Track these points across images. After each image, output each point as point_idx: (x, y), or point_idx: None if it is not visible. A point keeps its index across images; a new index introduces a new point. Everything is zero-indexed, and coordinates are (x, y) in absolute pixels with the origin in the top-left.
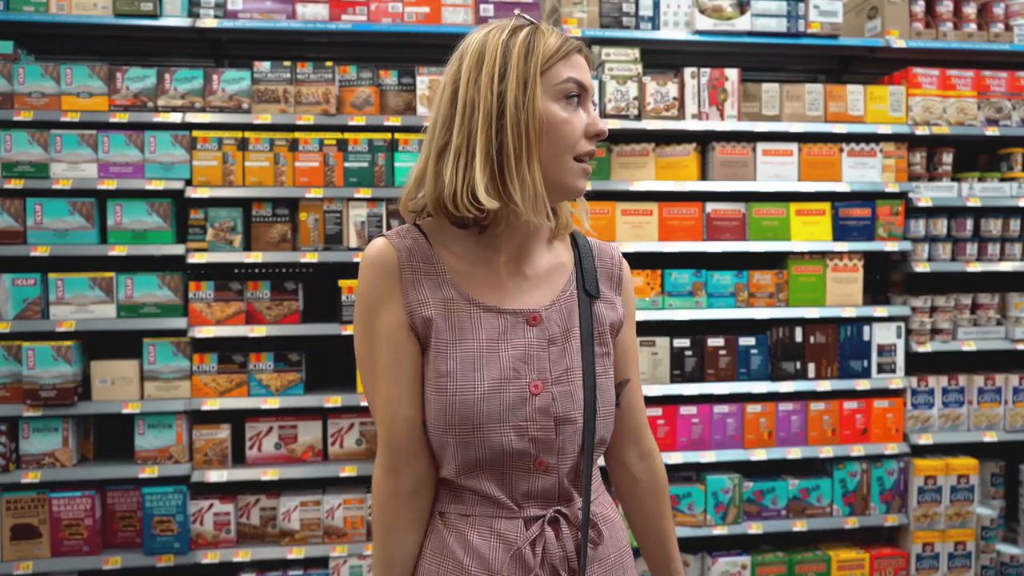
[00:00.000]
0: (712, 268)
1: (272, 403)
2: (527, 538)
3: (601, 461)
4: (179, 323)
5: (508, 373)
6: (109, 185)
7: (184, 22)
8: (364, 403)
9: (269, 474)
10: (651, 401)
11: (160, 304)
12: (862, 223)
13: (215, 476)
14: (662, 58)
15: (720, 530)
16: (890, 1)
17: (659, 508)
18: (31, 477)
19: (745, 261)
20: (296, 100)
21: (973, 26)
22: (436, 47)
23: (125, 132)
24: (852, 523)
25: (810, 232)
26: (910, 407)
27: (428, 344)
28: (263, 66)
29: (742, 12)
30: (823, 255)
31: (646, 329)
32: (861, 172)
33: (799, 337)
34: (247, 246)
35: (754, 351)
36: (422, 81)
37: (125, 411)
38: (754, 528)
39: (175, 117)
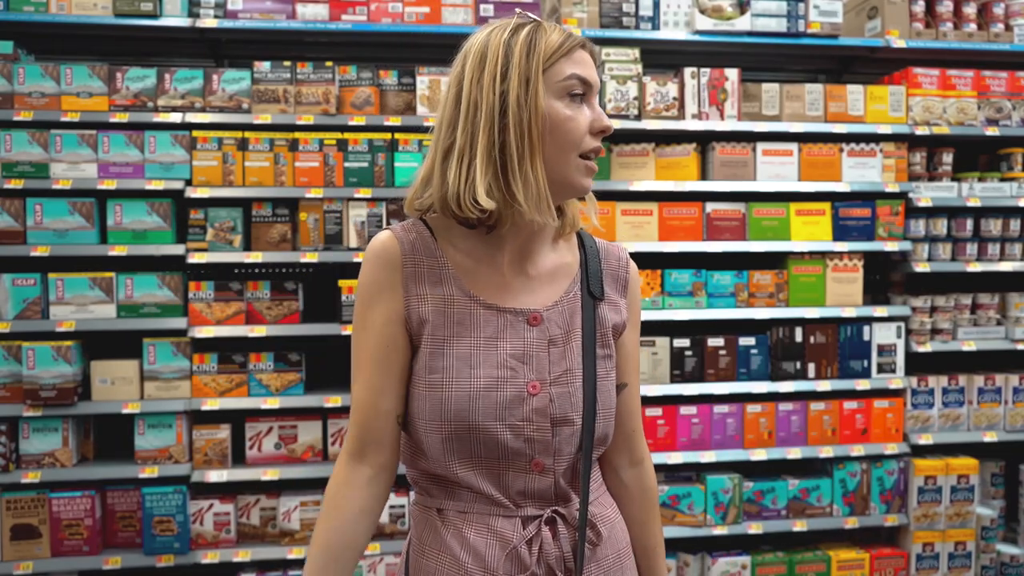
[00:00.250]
0: (712, 268)
1: (272, 403)
2: (523, 537)
3: None
4: (179, 323)
5: (505, 372)
6: (109, 185)
7: (184, 22)
8: None
9: (269, 474)
10: (651, 401)
11: (160, 304)
12: (862, 223)
13: (215, 476)
14: (662, 58)
15: (720, 530)
16: (890, 1)
17: (646, 518)
18: (31, 477)
19: (745, 261)
20: (296, 100)
21: (973, 26)
22: (436, 47)
23: (125, 132)
24: (852, 523)
25: (810, 232)
26: (910, 407)
27: (421, 341)
28: (263, 66)
29: (742, 12)
30: (823, 255)
31: (646, 329)
32: (861, 172)
33: (799, 337)
34: (247, 246)
35: (754, 351)
36: (422, 81)
37: (125, 411)
38: (754, 528)
39: (175, 117)
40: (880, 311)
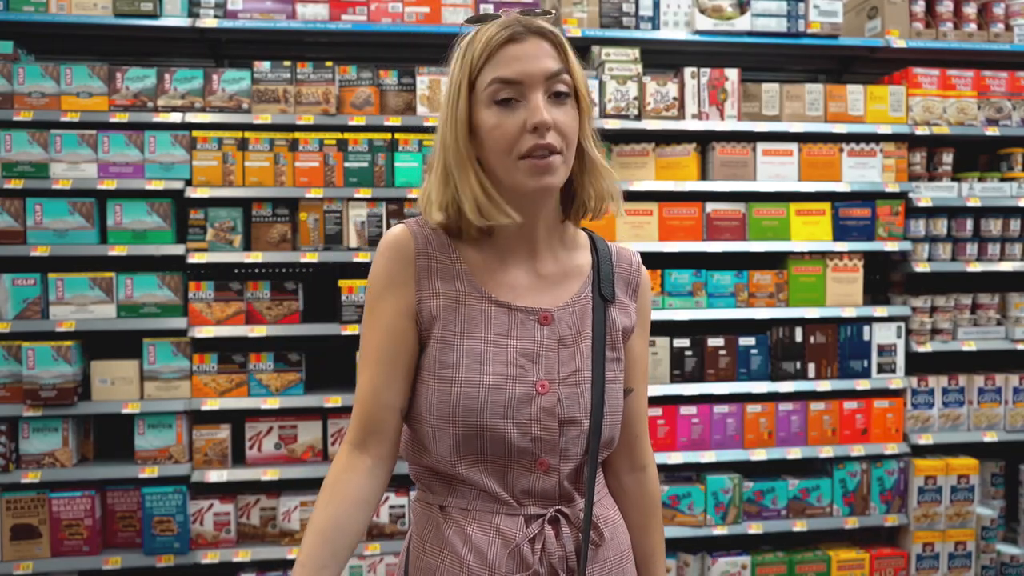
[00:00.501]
0: (712, 268)
1: (272, 403)
2: (526, 536)
3: None
4: (179, 323)
5: (514, 370)
6: (109, 185)
7: (184, 22)
8: None
9: (269, 474)
10: (651, 401)
11: (160, 304)
12: (862, 223)
13: (215, 476)
14: (662, 58)
15: (720, 530)
16: (890, 1)
17: (645, 524)
18: (31, 477)
19: (745, 261)
20: (296, 100)
21: (973, 26)
22: (436, 47)
23: (125, 132)
24: (852, 523)
25: (810, 232)
26: (910, 407)
27: (430, 336)
28: (263, 66)
29: (742, 12)
30: (823, 255)
31: None
32: (861, 172)
33: (799, 337)
34: (247, 246)
35: (754, 351)
36: (422, 81)
37: (125, 411)
38: (754, 528)
39: (175, 117)
40: (880, 311)
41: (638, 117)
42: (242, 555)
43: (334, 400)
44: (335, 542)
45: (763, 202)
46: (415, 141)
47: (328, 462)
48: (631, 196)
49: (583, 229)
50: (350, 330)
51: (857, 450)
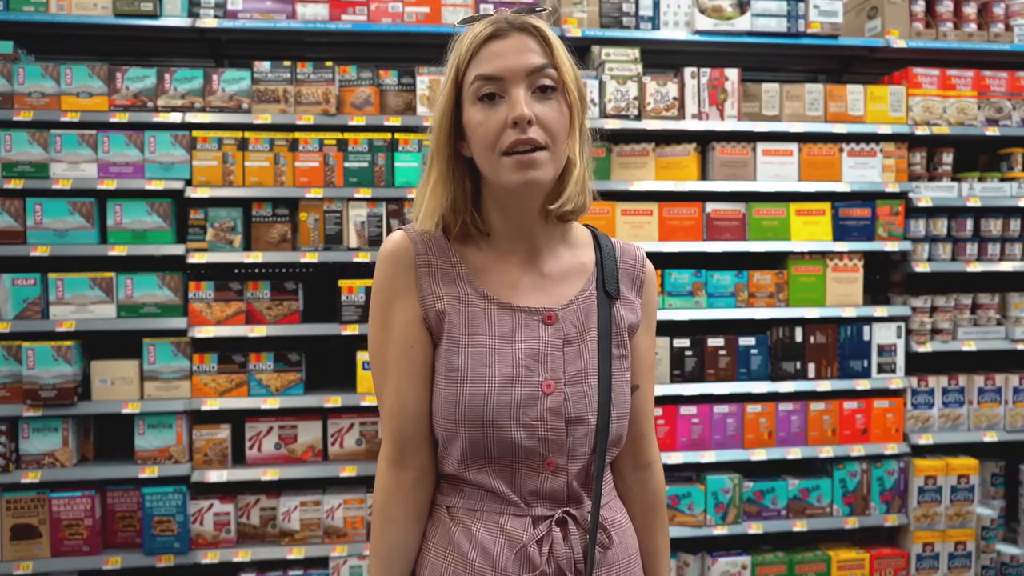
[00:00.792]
0: (712, 268)
1: (272, 403)
2: (533, 537)
3: None
4: (179, 323)
5: (520, 371)
6: (109, 185)
7: (184, 22)
8: (364, 403)
9: (269, 474)
10: None
11: (160, 304)
12: (862, 223)
13: (215, 476)
14: (662, 58)
15: (720, 530)
16: (890, 1)
17: (649, 523)
18: (31, 477)
19: (745, 261)
20: (296, 100)
21: (973, 26)
22: (436, 47)
23: (125, 132)
24: (852, 523)
25: (810, 232)
26: (910, 407)
27: (440, 339)
28: (263, 66)
29: (742, 12)
30: (823, 255)
31: None
32: (861, 172)
33: (799, 337)
34: (247, 246)
35: (754, 351)
36: (422, 81)
37: (125, 411)
38: (754, 528)
39: (175, 117)
40: (880, 311)
41: (638, 117)
42: (242, 555)
43: (334, 400)
44: (400, 563)
45: (763, 202)
46: (415, 141)
47: (328, 462)
48: (631, 196)
49: (586, 226)
50: (350, 330)
51: (857, 450)
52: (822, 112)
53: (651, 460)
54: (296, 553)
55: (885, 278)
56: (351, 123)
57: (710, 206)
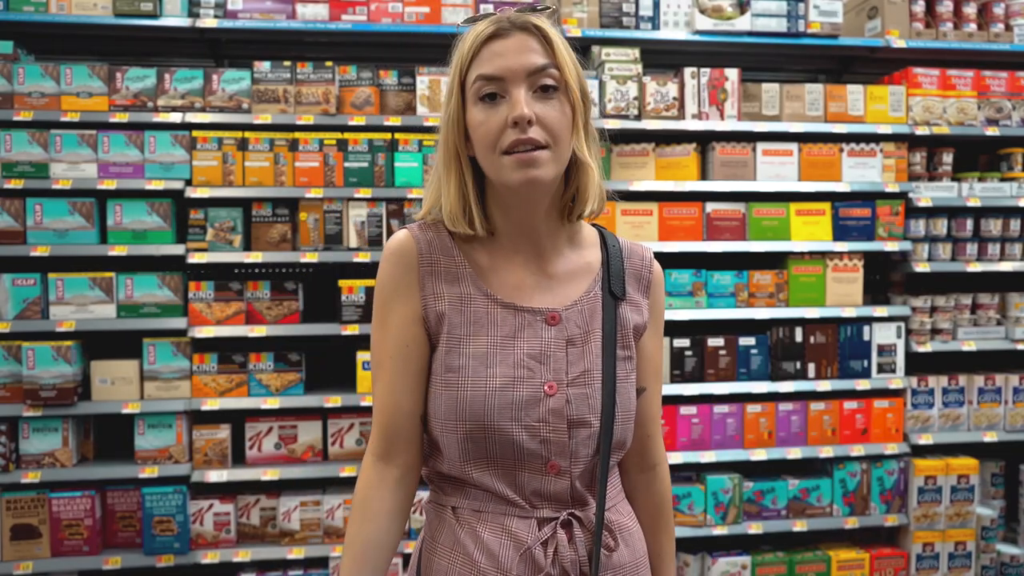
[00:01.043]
0: (712, 268)
1: (272, 403)
2: (538, 539)
3: None
4: (179, 323)
5: (521, 371)
6: (109, 185)
7: (184, 22)
8: (364, 403)
9: (269, 474)
10: None
11: (160, 304)
12: (862, 223)
13: (215, 476)
14: (662, 58)
15: (720, 530)
16: (890, 1)
17: (654, 524)
18: (31, 477)
19: (745, 261)
20: (296, 100)
21: (973, 26)
22: (436, 47)
23: (125, 132)
24: (852, 523)
25: (810, 232)
26: (910, 407)
27: (439, 340)
28: (263, 66)
29: (742, 12)
30: (823, 255)
31: None
32: (861, 172)
33: (799, 337)
34: (247, 246)
35: (754, 351)
36: (422, 81)
37: (125, 411)
38: (754, 528)
39: (175, 117)
40: (880, 311)
41: (638, 117)
42: (242, 555)
43: (334, 400)
44: (375, 560)
45: (763, 202)
46: (415, 141)
47: (328, 462)
48: (631, 196)
49: (594, 225)
50: (350, 330)
51: (857, 450)
52: (822, 112)
53: (657, 462)
54: (296, 553)
55: (885, 278)
56: (351, 123)
57: (710, 206)
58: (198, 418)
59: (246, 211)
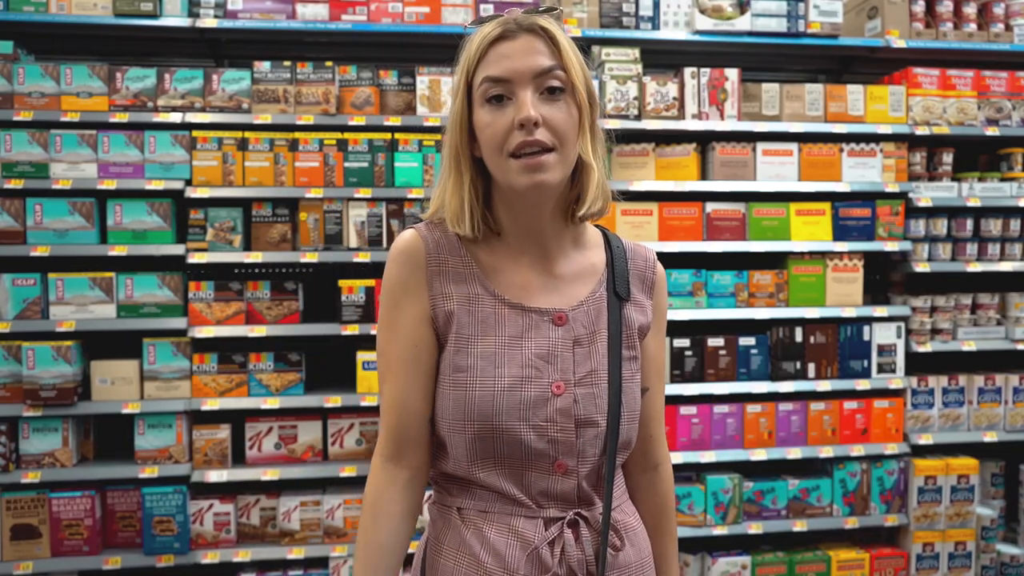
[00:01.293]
0: (712, 268)
1: (272, 403)
2: (545, 538)
3: None
4: (179, 323)
5: (529, 371)
6: (109, 185)
7: (184, 22)
8: (364, 403)
9: (269, 474)
10: None
11: (160, 304)
12: (862, 223)
13: (215, 476)
14: (662, 58)
15: (720, 530)
16: (890, 1)
17: (657, 524)
18: (31, 477)
19: (745, 261)
20: (296, 100)
21: (973, 26)
22: (436, 47)
23: (125, 132)
24: (852, 523)
25: (810, 232)
26: (910, 407)
27: (447, 339)
28: (263, 66)
29: (742, 12)
30: (823, 255)
31: None
32: (861, 172)
33: (799, 337)
34: (247, 246)
35: (754, 351)
36: (422, 81)
37: (125, 411)
38: (754, 528)
39: (175, 117)
40: (880, 311)
41: (638, 117)
42: (242, 555)
43: (334, 400)
44: (388, 563)
45: (763, 202)
46: (415, 141)
47: (328, 462)
48: (631, 196)
49: (597, 226)
50: (350, 330)
51: (857, 450)
52: (822, 112)
53: (659, 461)
54: (296, 553)
55: (885, 278)
56: (351, 123)
57: (710, 206)
58: (198, 418)
59: (246, 211)
